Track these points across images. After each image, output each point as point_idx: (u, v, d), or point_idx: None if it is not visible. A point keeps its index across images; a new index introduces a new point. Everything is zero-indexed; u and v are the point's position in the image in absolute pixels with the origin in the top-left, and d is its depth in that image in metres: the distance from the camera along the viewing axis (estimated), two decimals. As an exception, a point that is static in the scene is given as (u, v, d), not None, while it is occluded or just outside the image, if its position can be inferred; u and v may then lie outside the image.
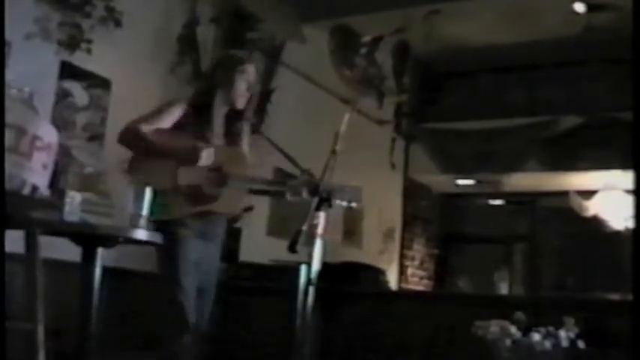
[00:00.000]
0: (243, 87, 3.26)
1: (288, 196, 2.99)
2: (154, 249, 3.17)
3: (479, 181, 8.57)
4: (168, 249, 3.03)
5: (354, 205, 2.85)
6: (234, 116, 3.30)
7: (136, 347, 4.46)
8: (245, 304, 4.61)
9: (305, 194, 2.91)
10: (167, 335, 3.00)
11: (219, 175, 3.11)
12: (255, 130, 3.55)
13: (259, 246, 5.79)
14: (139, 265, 4.51)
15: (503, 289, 9.19)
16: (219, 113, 3.26)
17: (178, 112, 3.20)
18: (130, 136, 3.17)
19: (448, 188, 9.03)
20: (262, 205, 6.09)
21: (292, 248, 2.51)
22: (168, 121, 3.18)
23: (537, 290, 8.64)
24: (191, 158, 3.07)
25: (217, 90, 3.25)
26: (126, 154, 3.26)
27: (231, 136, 3.29)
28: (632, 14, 2.58)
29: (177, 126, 3.18)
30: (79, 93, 4.65)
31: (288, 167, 3.14)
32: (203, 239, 3.16)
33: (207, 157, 3.08)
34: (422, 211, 8.79)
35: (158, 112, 3.25)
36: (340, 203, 2.81)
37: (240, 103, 3.28)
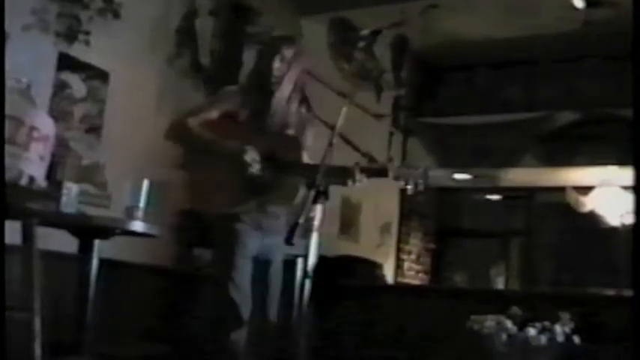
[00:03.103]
0: (277, 70, 3.09)
1: (349, 183, 2.91)
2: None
3: (476, 176, 8.56)
4: (224, 244, 2.93)
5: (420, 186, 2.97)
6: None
7: (133, 338, 4.46)
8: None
9: (365, 181, 2.90)
10: (218, 331, 2.89)
11: (272, 163, 2.98)
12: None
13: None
14: (136, 257, 4.54)
15: (500, 283, 9.21)
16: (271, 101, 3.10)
17: (229, 102, 3.10)
18: (176, 131, 3.08)
19: (445, 183, 9.03)
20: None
21: (289, 241, 2.50)
22: (216, 111, 3.07)
23: (533, 285, 8.66)
24: (237, 160, 2.94)
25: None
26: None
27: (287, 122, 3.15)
28: (633, 10, 2.58)
29: (230, 115, 3.06)
30: (76, 84, 4.64)
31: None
32: (261, 233, 3.00)
33: (252, 156, 2.94)
34: (419, 205, 8.79)
35: (207, 103, 3.19)
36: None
37: (277, 87, 3.10)
